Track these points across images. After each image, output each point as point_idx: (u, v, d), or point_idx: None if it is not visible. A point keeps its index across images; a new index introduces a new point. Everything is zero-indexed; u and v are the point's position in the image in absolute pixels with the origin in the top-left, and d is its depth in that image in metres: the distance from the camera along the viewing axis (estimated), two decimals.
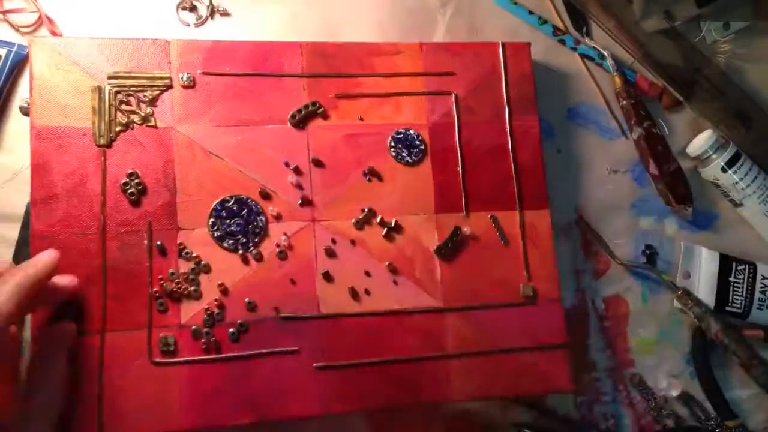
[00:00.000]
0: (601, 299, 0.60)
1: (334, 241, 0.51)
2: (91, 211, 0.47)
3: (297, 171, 0.51)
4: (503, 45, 0.57)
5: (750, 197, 0.62)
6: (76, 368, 0.44)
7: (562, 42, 0.63)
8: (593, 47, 0.63)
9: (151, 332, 0.46)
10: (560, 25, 0.64)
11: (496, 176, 0.55)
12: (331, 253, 0.51)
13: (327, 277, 0.50)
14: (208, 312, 0.47)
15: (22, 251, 0.49)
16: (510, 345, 0.52)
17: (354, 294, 0.50)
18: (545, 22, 0.63)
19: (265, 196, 0.50)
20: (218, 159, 0.50)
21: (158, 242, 0.47)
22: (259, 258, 0.49)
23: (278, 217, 0.50)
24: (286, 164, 0.51)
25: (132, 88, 0.49)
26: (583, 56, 0.64)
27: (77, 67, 0.48)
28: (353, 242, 0.51)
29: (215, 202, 0.49)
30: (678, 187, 0.61)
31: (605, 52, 0.63)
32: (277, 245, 0.50)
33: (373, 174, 0.53)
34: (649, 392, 0.59)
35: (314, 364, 0.48)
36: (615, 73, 0.62)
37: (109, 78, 0.49)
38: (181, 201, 0.49)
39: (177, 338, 0.46)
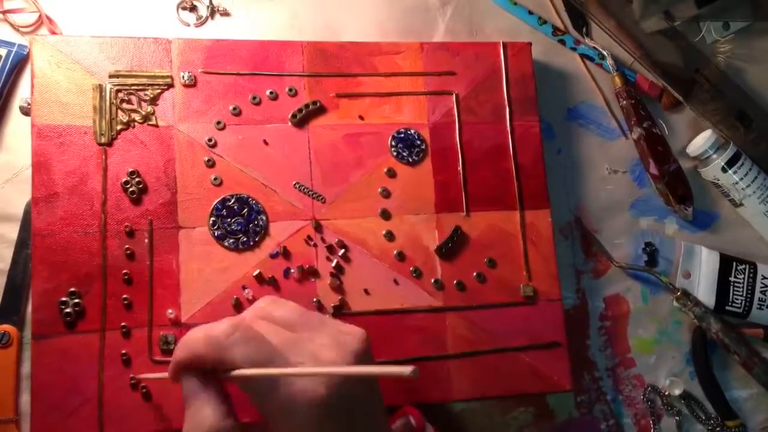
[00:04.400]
0: (601, 299, 0.60)
1: (334, 240, 0.51)
2: (91, 209, 0.47)
3: (297, 170, 0.51)
4: (504, 45, 0.57)
5: (750, 197, 0.62)
6: (76, 367, 0.44)
7: (562, 42, 0.63)
8: (593, 47, 0.63)
9: (151, 331, 0.46)
10: (560, 25, 0.64)
11: (497, 176, 0.55)
12: (331, 252, 0.51)
13: (327, 276, 0.50)
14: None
15: (22, 253, 0.49)
16: (510, 345, 0.52)
17: (354, 293, 0.50)
18: (545, 22, 0.63)
19: (266, 194, 0.50)
20: (219, 158, 0.50)
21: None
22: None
23: (279, 216, 0.50)
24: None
25: (133, 87, 0.49)
26: (583, 56, 0.64)
27: (78, 65, 0.48)
28: (353, 241, 0.51)
29: (216, 201, 0.49)
30: (678, 187, 0.61)
31: (605, 52, 0.63)
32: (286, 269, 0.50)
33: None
34: (661, 394, 0.59)
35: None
36: (615, 73, 0.63)
37: (110, 76, 0.49)
38: (181, 199, 0.49)
39: (177, 337, 0.46)
